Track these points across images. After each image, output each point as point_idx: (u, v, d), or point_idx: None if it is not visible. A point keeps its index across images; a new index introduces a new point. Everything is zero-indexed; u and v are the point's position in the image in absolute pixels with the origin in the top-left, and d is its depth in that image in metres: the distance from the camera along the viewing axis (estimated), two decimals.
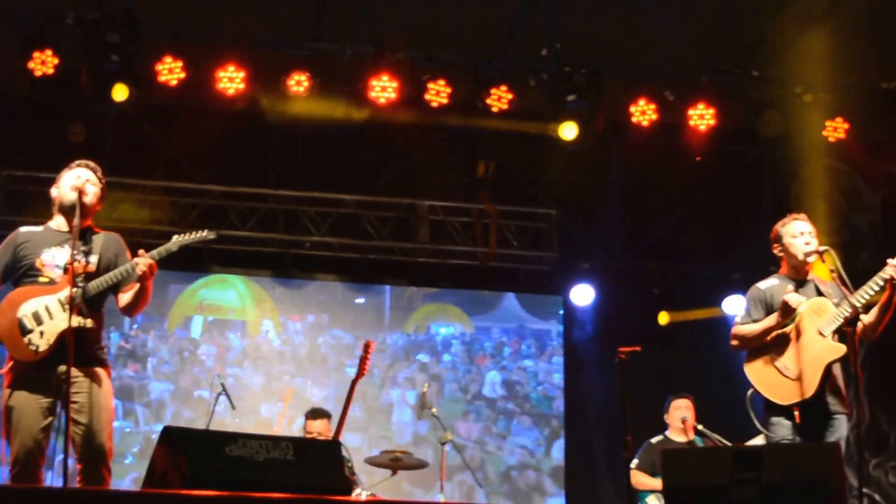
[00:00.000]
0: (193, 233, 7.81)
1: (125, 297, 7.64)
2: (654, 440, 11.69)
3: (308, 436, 11.11)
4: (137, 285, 7.57)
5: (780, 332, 8.24)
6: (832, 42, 13.33)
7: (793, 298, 8.12)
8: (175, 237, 7.71)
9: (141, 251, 7.52)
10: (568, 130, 12.90)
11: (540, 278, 14.73)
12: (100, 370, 7.49)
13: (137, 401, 13.77)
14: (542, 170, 14.68)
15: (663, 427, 11.85)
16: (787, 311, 8.13)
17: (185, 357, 14.02)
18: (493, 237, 14.23)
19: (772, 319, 8.22)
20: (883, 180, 14.94)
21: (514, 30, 13.43)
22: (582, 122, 12.94)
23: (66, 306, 7.37)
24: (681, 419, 11.61)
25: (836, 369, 8.19)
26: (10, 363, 7.44)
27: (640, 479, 11.42)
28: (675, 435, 11.65)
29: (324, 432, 10.97)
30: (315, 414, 11.25)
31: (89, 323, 7.44)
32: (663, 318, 14.66)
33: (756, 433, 8.77)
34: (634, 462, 11.38)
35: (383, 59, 12.71)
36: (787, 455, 7.19)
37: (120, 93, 12.11)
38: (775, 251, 8.53)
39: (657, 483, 11.03)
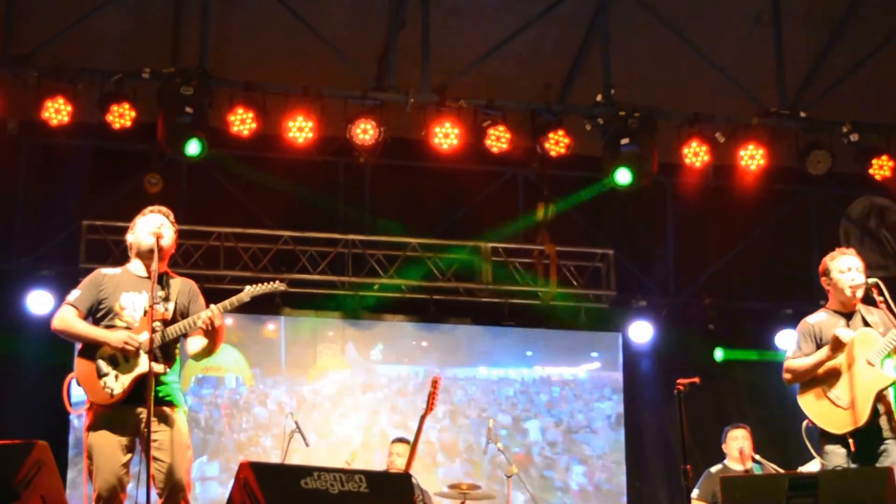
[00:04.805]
0: (266, 283, 7.93)
1: (194, 344, 7.84)
2: (713, 469, 11.74)
3: (389, 458, 11.77)
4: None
5: (831, 364, 8.39)
6: (878, 82, 13.69)
7: (844, 334, 8.32)
8: (248, 287, 7.83)
9: (212, 306, 7.68)
10: (622, 176, 12.88)
11: (600, 316, 14.87)
12: (174, 409, 7.69)
13: None
14: (599, 211, 14.94)
15: (722, 457, 11.96)
16: (838, 346, 8.31)
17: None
18: (553, 277, 14.36)
19: (822, 353, 8.38)
20: None
21: (571, 76, 13.76)
22: (636, 165, 12.87)
23: (142, 351, 7.59)
24: (738, 449, 11.71)
25: (889, 395, 8.29)
26: (90, 404, 7.67)
27: None
28: (733, 464, 11.73)
29: (402, 454, 11.52)
30: (399, 440, 12.01)
31: (162, 369, 7.59)
32: (719, 354, 14.91)
33: (810, 459, 9.03)
34: (695, 492, 11.45)
35: (445, 106, 12.80)
36: (842, 480, 7.43)
37: (194, 147, 12.21)
38: (823, 284, 8.66)
39: None
